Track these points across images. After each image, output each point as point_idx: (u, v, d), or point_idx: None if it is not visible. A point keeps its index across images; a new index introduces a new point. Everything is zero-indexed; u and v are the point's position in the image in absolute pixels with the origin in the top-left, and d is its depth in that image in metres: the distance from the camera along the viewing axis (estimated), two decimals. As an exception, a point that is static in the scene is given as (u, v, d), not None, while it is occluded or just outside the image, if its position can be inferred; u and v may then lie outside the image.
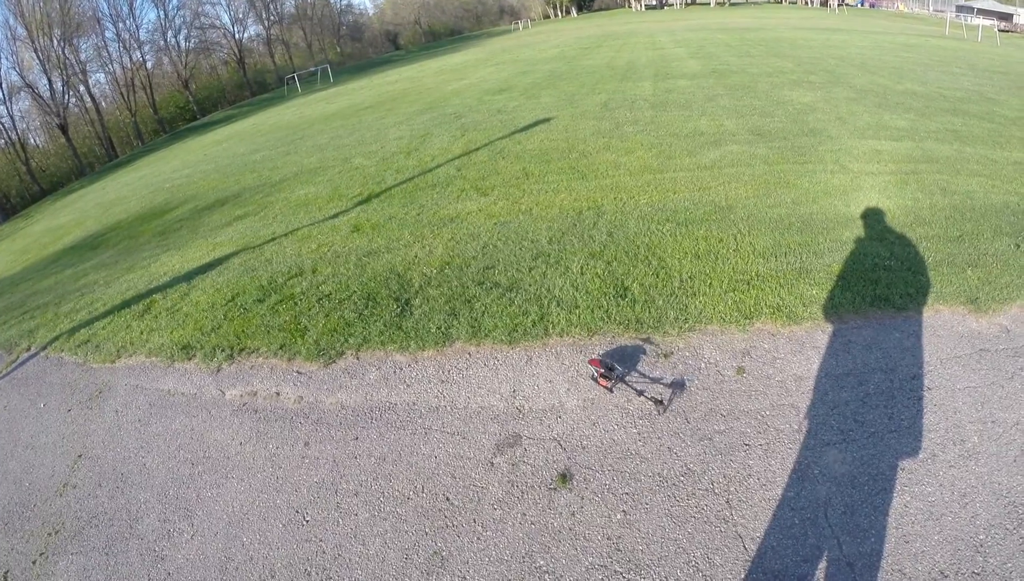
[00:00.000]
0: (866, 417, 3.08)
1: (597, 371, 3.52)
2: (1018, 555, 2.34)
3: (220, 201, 10.19)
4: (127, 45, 45.30)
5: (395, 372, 4.08)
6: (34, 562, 3.27)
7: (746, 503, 2.74)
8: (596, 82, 14.85)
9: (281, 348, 4.56)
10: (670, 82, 13.36)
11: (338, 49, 68.86)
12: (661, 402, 3.33)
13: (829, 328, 3.78)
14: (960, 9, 35.78)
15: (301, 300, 5.21)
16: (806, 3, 58.12)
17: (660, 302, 4.24)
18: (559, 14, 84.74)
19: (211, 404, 4.21)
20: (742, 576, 2.44)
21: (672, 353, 3.76)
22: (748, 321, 3.94)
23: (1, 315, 7.26)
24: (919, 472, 2.76)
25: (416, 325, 4.48)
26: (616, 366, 3.56)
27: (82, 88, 41.74)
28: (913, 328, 3.69)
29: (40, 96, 38.33)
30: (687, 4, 70.27)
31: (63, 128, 38.35)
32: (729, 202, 5.80)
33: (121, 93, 44.24)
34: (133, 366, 4.91)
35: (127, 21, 46.01)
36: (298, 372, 4.30)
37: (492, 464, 3.21)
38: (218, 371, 4.53)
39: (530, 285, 4.73)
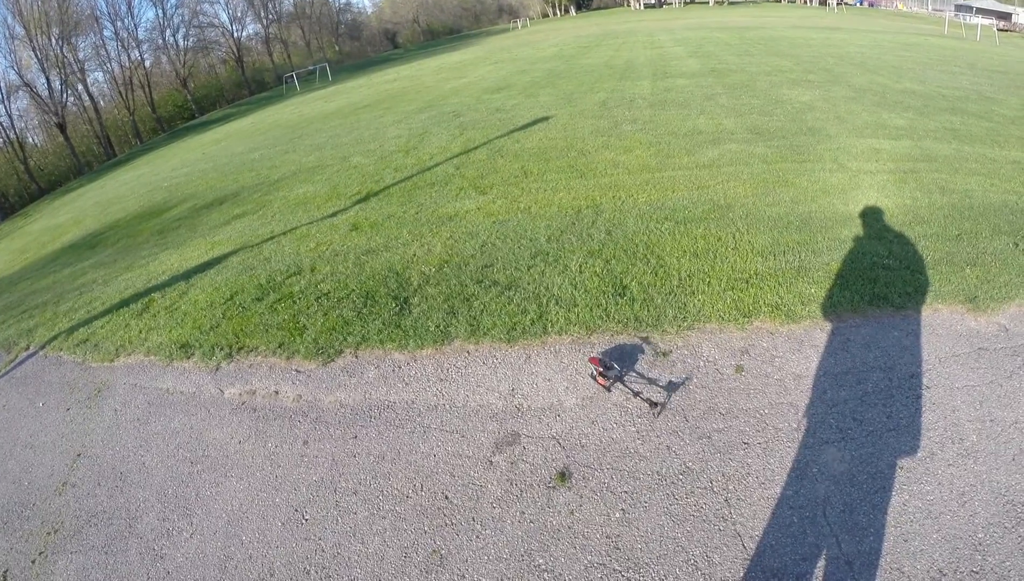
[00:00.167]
0: (865, 416, 3.09)
1: (596, 369, 3.52)
2: (1016, 554, 2.35)
3: (219, 200, 10.17)
4: (125, 44, 45.30)
5: (394, 371, 4.07)
6: (33, 561, 3.27)
7: (745, 501, 2.75)
8: (595, 81, 14.84)
9: (280, 347, 4.56)
10: (669, 81, 13.36)
11: (336, 48, 68.79)
12: (656, 404, 3.32)
13: (828, 327, 3.78)
14: (959, 8, 35.79)
15: (300, 299, 5.20)
16: (805, 2, 58.10)
17: (659, 300, 4.24)
18: (558, 13, 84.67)
19: (210, 403, 4.21)
20: (741, 574, 2.45)
21: (671, 351, 3.77)
22: (747, 319, 3.95)
23: (0, 314, 7.25)
24: (918, 471, 2.76)
25: (415, 324, 4.47)
26: (615, 365, 3.56)
27: (80, 87, 41.68)
28: (912, 327, 3.69)
29: (38, 95, 38.27)
30: (686, 3, 70.20)
31: (61, 127, 38.28)
32: (728, 201, 5.81)
33: (119, 92, 44.18)
34: (132, 365, 4.91)
35: (125, 20, 46.08)
36: (297, 371, 4.29)
37: (491, 462, 3.21)
38: (217, 370, 4.53)
39: (529, 283, 4.73)
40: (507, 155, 8.69)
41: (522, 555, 2.69)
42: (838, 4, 51.72)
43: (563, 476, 3.04)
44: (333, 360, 4.31)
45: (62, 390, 4.86)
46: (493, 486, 3.07)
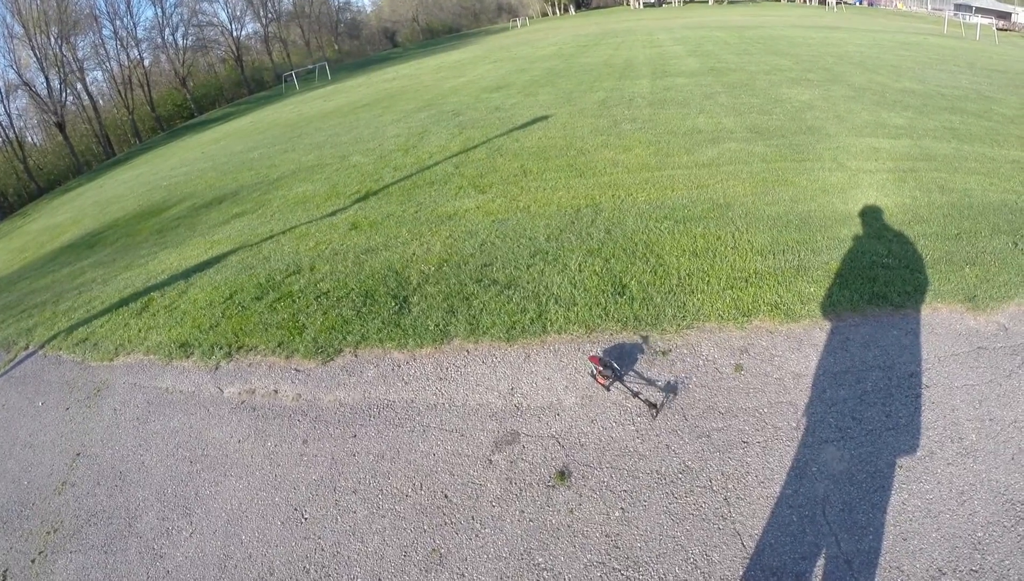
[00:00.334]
0: (864, 415, 3.09)
1: (596, 368, 3.52)
2: (1016, 552, 2.35)
3: (218, 199, 10.17)
4: (124, 43, 45.23)
5: (393, 370, 4.07)
6: (33, 561, 3.27)
7: (744, 500, 2.75)
8: (594, 80, 14.83)
9: (279, 346, 4.56)
10: (668, 80, 13.36)
11: (336, 47, 68.70)
12: (655, 405, 3.32)
13: (827, 326, 3.79)
14: (958, 7, 35.80)
15: (299, 298, 5.20)
16: (804, 1, 58.07)
17: (658, 299, 4.24)
18: (557, 12, 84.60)
19: (209, 402, 4.20)
20: (740, 573, 2.45)
21: (670, 350, 3.77)
22: (746, 318, 3.95)
23: (-2, 313, 7.24)
24: (917, 470, 2.76)
25: (414, 323, 4.47)
26: (614, 365, 3.56)
27: (79, 86, 41.62)
28: (911, 326, 3.70)
29: (37, 94, 38.22)
30: (685, 2, 70.13)
31: (60, 126, 38.24)
32: (727, 200, 5.80)
33: (119, 91, 44.11)
34: (131, 364, 4.90)
35: (124, 19, 46.09)
36: (296, 370, 4.29)
37: (490, 461, 3.21)
38: (216, 369, 4.52)
39: (528, 282, 4.73)
40: (506, 154, 8.68)
41: (521, 554, 2.69)
42: (837, 3, 51.70)
43: (562, 475, 3.04)
44: (332, 359, 4.31)
45: (61, 389, 4.86)
46: (492, 485, 3.07)
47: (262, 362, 4.47)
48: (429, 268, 5.28)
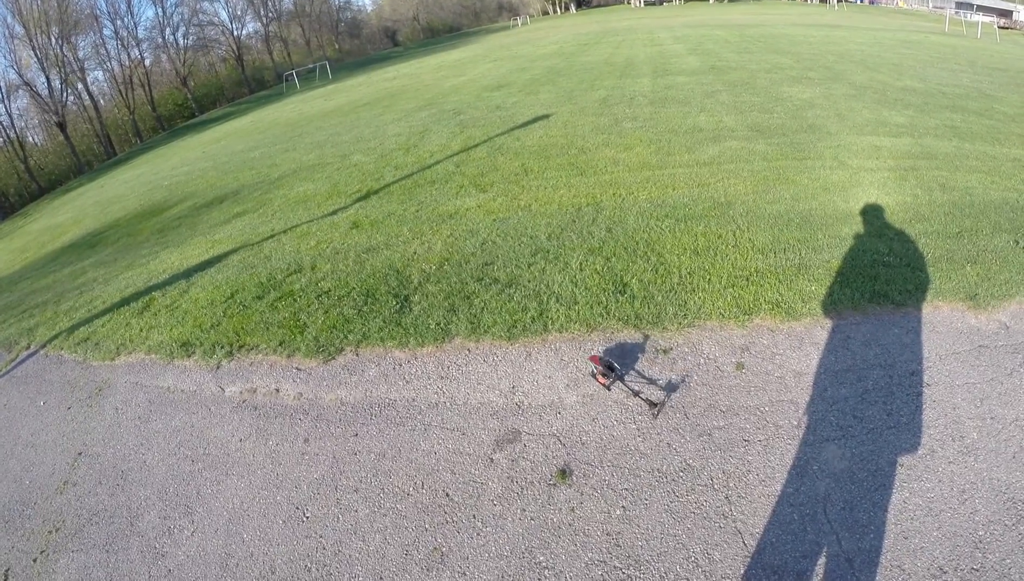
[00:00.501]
0: (865, 413, 3.09)
1: (596, 368, 3.52)
2: (1017, 551, 2.35)
3: (219, 198, 10.17)
4: (125, 43, 45.30)
5: (394, 368, 4.08)
6: (35, 560, 3.27)
7: (745, 499, 2.75)
8: (595, 78, 14.82)
9: (280, 345, 4.56)
10: (669, 78, 13.34)
11: (336, 46, 68.71)
12: (655, 404, 3.32)
13: (828, 324, 3.78)
14: (959, 6, 35.71)
15: (300, 297, 5.20)
16: (805, 0, 57.95)
17: (659, 298, 4.24)
18: (558, 10, 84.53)
19: (211, 401, 4.21)
20: (741, 571, 2.45)
21: (671, 349, 3.77)
22: (747, 317, 3.94)
23: (0, 314, 7.25)
24: (918, 468, 2.76)
25: (415, 321, 4.47)
26: (615, 364, 3.55)
27: (80, 86, 41.65)
28: (912, 324, 3.69)
29: (38, 94, 38.26)
30: (686, 0, 70.06)
31: (61, 126, 38.26)
32: (728, 198, 5.80)
33: (119, 91, 44.17)
34: (133, 363, 4.91)
35: (125, 18, 46.14)
36: (297, 369, 4.30)
37: (492, 460, 3.22)
38: (218, 368, 4.53)
39: (529, 281, 4.73)
40: (507, 153, 8.68)
41: (523, 552, 2.69)
42: (838, 1, 51.56)
43: (564, 473, 3.04)
44: (334, 358, 4.31)
45: (63, 389, 4.87)
46: (494, 483, 3.07)
47: (263, 361, 4.47)
48: (430, 267, 5.28)
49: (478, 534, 2.82)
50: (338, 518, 3.06)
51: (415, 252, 5.67)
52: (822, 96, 10.04)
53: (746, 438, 3.06)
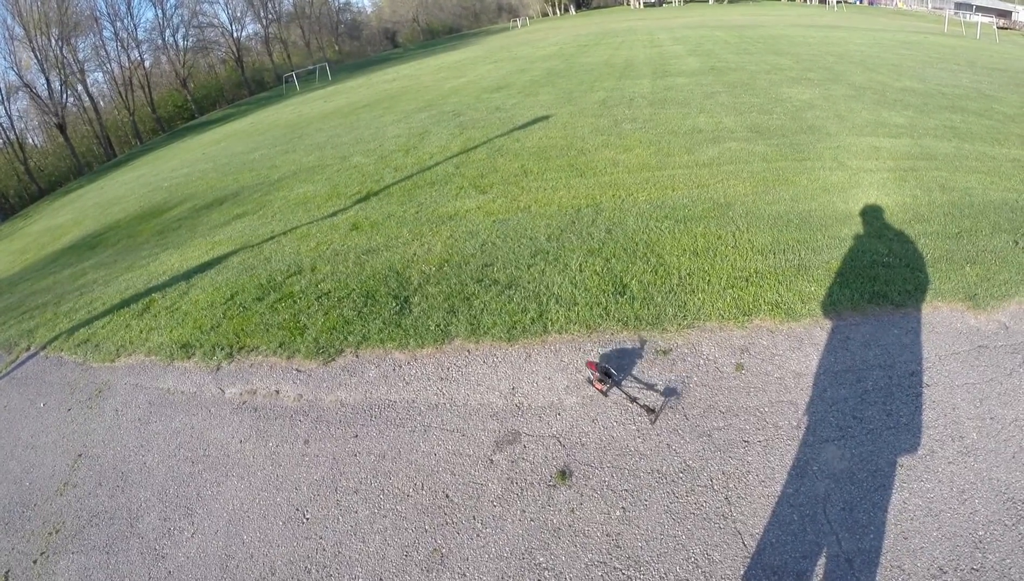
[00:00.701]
0: (864, 414, 3.09)
1: (593, 375, 3.52)
2: (1017, 551, 2.35)
3: (219, 200, 10.18)
4: (125, 44, 45.29)
5: (394, 370, 4.08)
6: (35, 561, 3.27)
7: (745, 499, 2.75)
8: (594, 80, 14.83)
9: (280, 346, 4.56)
10: (668, 80, 13.36)
11: (336, 47, 68.75)
12: (653, 410, 3.31)
13: (828, 325, 3.79)
14: (959, 6, 35.74)
15: (300, 298, 5.20)
16: (804, 0, 57.99)
17: (659, 299, 4.24)
18: (557, 12, 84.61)
19: (211, 402, 4.21)
20: (741, 572, 2.45)
21: (671, 350, 3.77)
22: (747, 318, 3.95)
23: (0, 315, 7.25)
24: (918, 468, 2.76)
25: (415, 323, 4.48)
26: (612, 370, 3.54)
27: (80, 87, 41.67)
28: (911, 325, 3.69)
29: (38, 96, 38.26)
30: (685, 1, 70.10)
31: (61, 127, 38.28)
32: (728, 199, 5.80)
33: (119, 92, 44.16)
34: (133, 365, 4.91)
35: (125, 20, 46.07)
36: (297, 370, 4.30)
37: (491, 461, 3.22)
38: (218, 369, 4.53)
39: (529, 282, 4.73)
40: (507, 154, 8.69)
41: (523, 553, 2.69)
42: (837, 2, 51.62)
43: (564, 474, 3.04)
44: (334, 359, 4.31)
45: (63, 390, 4.87)
46: (494, 485, 3.07)
47: (263, 363, 4.47)
48: (430, 268, 5.28)
49: (478, 535, 2.82)
50: (338, 519, 3.06)
51: (415, 253, 5.68)
52: (821, 97, 10.05)
53: (746, 439, 3.06)
